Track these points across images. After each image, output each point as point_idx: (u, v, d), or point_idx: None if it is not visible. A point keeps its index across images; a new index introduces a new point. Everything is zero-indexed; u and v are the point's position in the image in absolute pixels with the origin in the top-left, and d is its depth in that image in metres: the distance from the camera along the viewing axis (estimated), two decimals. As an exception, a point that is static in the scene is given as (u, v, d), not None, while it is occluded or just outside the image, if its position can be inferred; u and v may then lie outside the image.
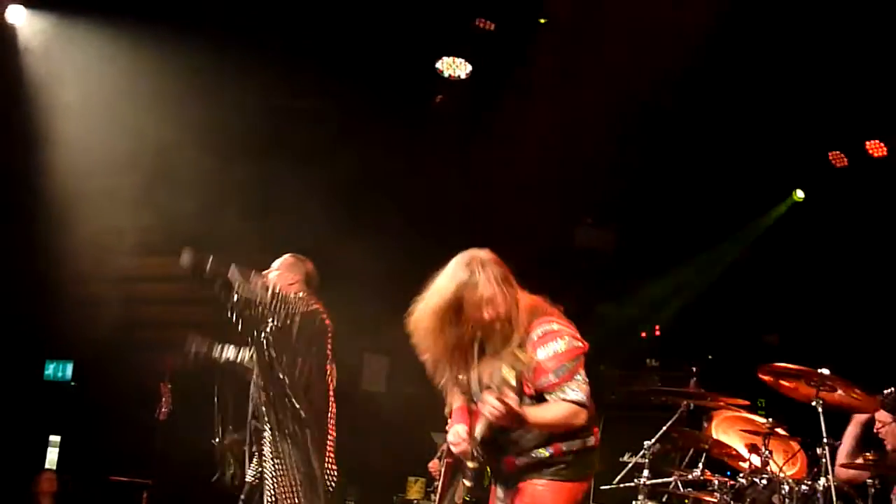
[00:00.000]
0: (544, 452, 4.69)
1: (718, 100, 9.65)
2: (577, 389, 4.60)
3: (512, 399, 4.44)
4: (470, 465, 4.76)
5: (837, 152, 10.20)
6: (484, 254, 4.76)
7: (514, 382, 4.44)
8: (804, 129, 9.73)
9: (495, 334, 4.65)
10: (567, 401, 4.58)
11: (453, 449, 4.87)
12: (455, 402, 5.02)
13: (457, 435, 4.83)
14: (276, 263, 6.74)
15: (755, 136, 9.81)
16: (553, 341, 4.64)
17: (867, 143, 9.99)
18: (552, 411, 4.61)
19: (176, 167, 9.59)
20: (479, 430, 4.72)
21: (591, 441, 4.77)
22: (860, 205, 9.96)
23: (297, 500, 6.33)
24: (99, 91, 9.47)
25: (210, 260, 6.15)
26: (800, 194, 10.76)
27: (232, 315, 6.28)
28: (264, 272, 6.69)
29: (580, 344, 4.69)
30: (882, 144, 9.99)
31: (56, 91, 9.49)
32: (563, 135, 10.11)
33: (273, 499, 6.35)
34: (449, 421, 5.00)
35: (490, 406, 4.46)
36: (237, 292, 6.19)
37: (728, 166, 10.10)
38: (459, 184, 10.37)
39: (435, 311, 4.69)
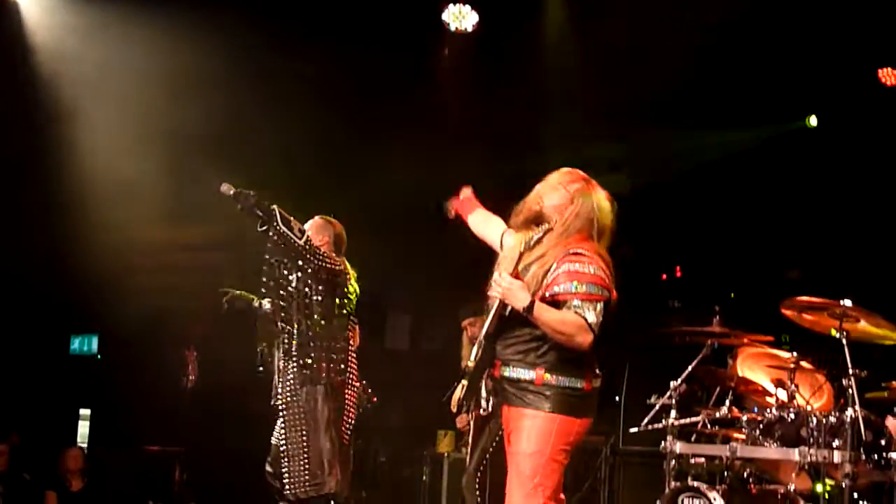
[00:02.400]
0: (525, 374, 4.67)
1: (729, 27, 9.54)
2: (593, 312, 4.59)
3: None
4: (469, 364, 4.76)
5: (889, 69, 10.01)
6: (586, 178, 4.95)
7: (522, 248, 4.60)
8: (818, 54, 9.60)
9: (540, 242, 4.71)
10: (579, 314, 4.58)
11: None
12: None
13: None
14: (306, 226, 6.69)
15: (768, 61, 9.70)
16: (582, 263, 4.65)
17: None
18: (560, 315, 4.61)
19: (198, 139, 9.58)
20: (485, 325, 4.74)
21: (581, 384, 4.71)
22: (878, 132, 9.87)
23: (304, 447, 6.38)
24: (113, 63, 9.44)
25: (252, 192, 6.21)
26: (813, 121, 10.63)
27: (268, 250, 6.36)
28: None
29: (608, 286, 4.68)
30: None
31: (71, 66, 9.46)
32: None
33: (283, 436, 6.42)
34: None
35: (495, 282, 4.57)
36: (277, 224, 6.18)
37: (738, 96, 10.00)
38: (469, 140, 10.32)
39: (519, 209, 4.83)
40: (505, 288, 4.57)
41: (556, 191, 4.85)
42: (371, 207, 9.67)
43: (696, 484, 6.53)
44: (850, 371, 6.30)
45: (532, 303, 4.55)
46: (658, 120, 10.17)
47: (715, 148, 10.58)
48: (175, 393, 9.73)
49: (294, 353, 6.45)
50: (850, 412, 6.24)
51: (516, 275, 4.62)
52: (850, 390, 6.26)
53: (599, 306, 4.62)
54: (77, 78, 9.50)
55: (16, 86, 9.42)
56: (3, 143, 9.66)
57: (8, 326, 10.89)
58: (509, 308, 4.66)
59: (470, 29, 10.20)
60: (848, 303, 6.35)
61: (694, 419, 7.10)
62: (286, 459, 6.38)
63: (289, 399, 6.44)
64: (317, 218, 6.84)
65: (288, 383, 6.46)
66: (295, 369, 6.43)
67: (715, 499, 6.31)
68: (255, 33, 9.49)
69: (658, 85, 9.44)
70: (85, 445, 11.10)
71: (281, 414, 6.47)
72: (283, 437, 6.42)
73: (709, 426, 7.10)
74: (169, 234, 10.34)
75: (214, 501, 9.40)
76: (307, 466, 6.34)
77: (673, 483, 6.71)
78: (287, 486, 6.36)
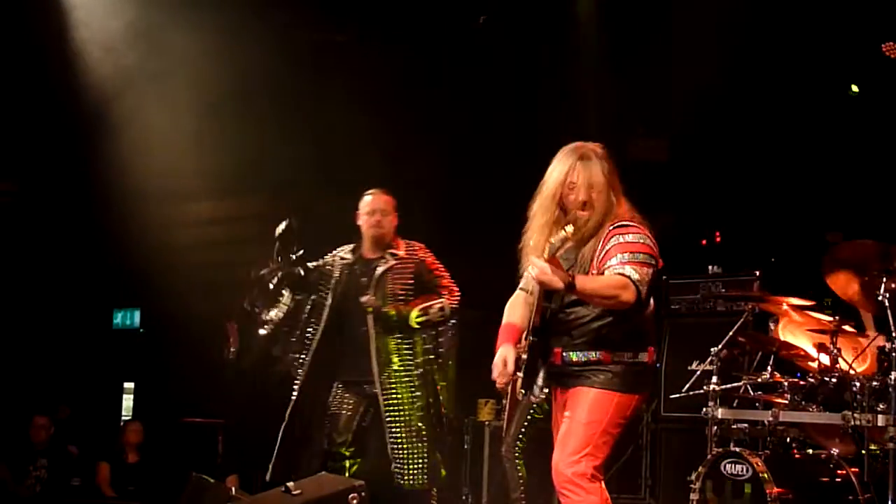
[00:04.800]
0: (592, 355, 4.69)
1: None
2: (636, 271, 4.58)
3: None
4: (523, 355, 4.78)
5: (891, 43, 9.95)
6: (596, 146, 4.82)
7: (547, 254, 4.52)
8: (858, 22, 9.50)
9: (583, 227, 4.69)
10: (621, 274, 4.57)
11: (497, 380, 4.87)
12: (507, 312, 5.03)
13: (503, 360, 4.82)
14: (379, 204, 6.82)
15: (806, 33, 9.61)
16: (629, 234, 4.66)
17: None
18: (601, 279, 4.61)
19: (236, 112, 9.59)
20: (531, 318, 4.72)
21: (644, 357, 4.75)
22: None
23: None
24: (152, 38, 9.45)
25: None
26: (855, 88, 10.53)
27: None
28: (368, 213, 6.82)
29: (656, 255, 4.70)
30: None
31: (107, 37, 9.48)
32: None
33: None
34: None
35: (534, 265, 4.50)
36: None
37: (779, 64, 9.91)
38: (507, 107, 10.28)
39: (545, 198, 4.77)
40: (541, 272, 4.49)
41: (563, 178, 4.76)
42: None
43: (738, 449, 6.51)
44: (894, 334, 6.25)
45: (573, 278, 4.53)
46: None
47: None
48: (217, 364, 9.78)
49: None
50: (893, 375, 6.19)
51: (550, 261, 4.57)
52: (894, 353, 6.21)
53: (646, 269, 4.63)
54: (122, 55, 9.51)
55: (63, 65, 9.44)
56: (48, 120, 9.74)
57: (52, 302, 11.00)
58: (553, 300, 4.69)
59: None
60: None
61: (735, 385, 7.08)
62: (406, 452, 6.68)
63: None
64: (382, 196, 6.92)
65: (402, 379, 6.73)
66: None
67: (757, 464, 6.28)
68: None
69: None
70: (129, 418, 11.22)
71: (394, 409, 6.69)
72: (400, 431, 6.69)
73: (751, 391, 7.07)
74: (209, 208, 10.38)
75: (256, 473, 9.45)
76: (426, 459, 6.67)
77: (715, 449, 6.70)
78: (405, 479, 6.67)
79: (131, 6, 9.25)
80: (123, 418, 11.00)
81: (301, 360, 6.83)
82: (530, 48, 10.28)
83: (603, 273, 4.64)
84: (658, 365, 8.88)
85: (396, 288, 6.74)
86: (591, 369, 4.70)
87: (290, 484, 6.40)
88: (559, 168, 4.77)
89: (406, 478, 6.66)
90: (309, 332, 6.84)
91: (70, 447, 9.88)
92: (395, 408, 6.69)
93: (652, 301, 4.82)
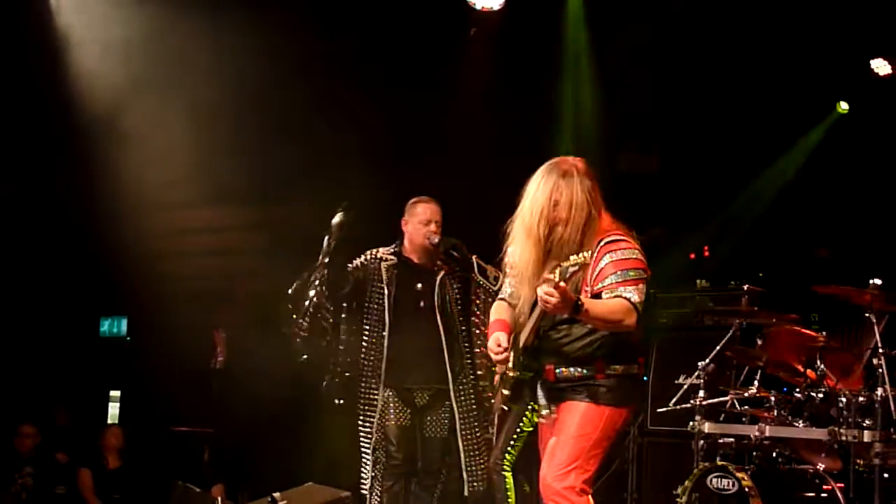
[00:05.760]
0: (584, 370, 4.71)
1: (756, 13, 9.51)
2: (635, 293, 4.62)
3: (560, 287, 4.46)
4: (510, 373, 4.81)
5: (880, 59, 10.02)
6: (577, 161, 4.82)
7: (558, 278, 4.44)
8: (845, 39, 9.55)
9: (565, 243, 4.67)
10: (622, 297, 4.61)
11: (493, 357, 4.90)
12: (494, 314, 5.07)
13: (496, 341, 4.87)
14: (435, 214, 6.77)
15: (795, 50, 9.65)
16: (620, 250, 4.68)
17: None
18: (607, 304, 4.63)
19: (227, 121, 9.57)
20: (523, 336, 4.75)
21: (635, 369, 4.81)
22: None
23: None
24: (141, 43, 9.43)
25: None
26: (843, 106, 10.59)
27: None
28: (423, 222, 6.76)
29: (646, 267, 4.73)
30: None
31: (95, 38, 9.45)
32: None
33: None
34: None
35: (543, 292, 4.46)
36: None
37: (769, 80, 9.95)
38: (494, 115, 10.29)
39: (530, 215, 4.75)
40: (555, 302, 4.46)
41: (547, 197, 4.74)
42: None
43: (724, 464, 6.51)
44: (880, 350, 6.27)
45: (580, 304, 4.53)
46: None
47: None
48: (204, 373, 9.77)
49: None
50: (880, 391, 6.20)
51: (557, 286, 4.52)
52: (881, 369, 6.23)
53: (642, 286, 4.67)
54: (114, 64, 9.49)
55: (56, 71, 9.41)
56: (37, 127, 9.71)
57: (39, 309, 10.97)
58: (545, 318, 4.72)
59: (496, 7, 10.07)
60: (878, 281, 6.31)
61: (722, 399, 7.09)
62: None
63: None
64: (430, 204, 6.85)
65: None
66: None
67: (743, 479, 6.29)
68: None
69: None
70: (114, 425, 11.19)
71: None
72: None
73: (737, 406, 7.08)
74: (197, 217, 10.36)
75: (242, 482, 9.43)
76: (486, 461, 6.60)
77: (701, 463, 6.70)
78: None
79: (125, 14, 9.23)
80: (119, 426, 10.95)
81: (368, 365, 6.71)
82: (519, 61, 10.29)
83: (599, 293, 4.66)
84: (645, 378, 8.90)
85: (455, 293, 6.77)
86: (583, 384, 4.72)
87: (277, 494, 6.40)
88: (543, 186, 4.75)
89: (477, 484, 6.66)
90: (365, 336, 6.74)
91: (59, 455, 9.82)
92: (468, 414, 6.71)
93: None
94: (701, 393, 6.95)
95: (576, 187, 4.70)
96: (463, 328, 6.77)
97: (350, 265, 6.72)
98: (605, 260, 4.67)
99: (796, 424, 6.59)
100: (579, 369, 4.72)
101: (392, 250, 6.84)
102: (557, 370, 4.76)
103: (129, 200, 9.94)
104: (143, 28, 9.09)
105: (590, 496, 4.73)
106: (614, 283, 4.64)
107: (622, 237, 4.73)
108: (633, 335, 4.79)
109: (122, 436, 9.85)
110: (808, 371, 6.73)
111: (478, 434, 6.72)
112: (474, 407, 6.72)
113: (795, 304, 7.41)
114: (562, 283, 4.48)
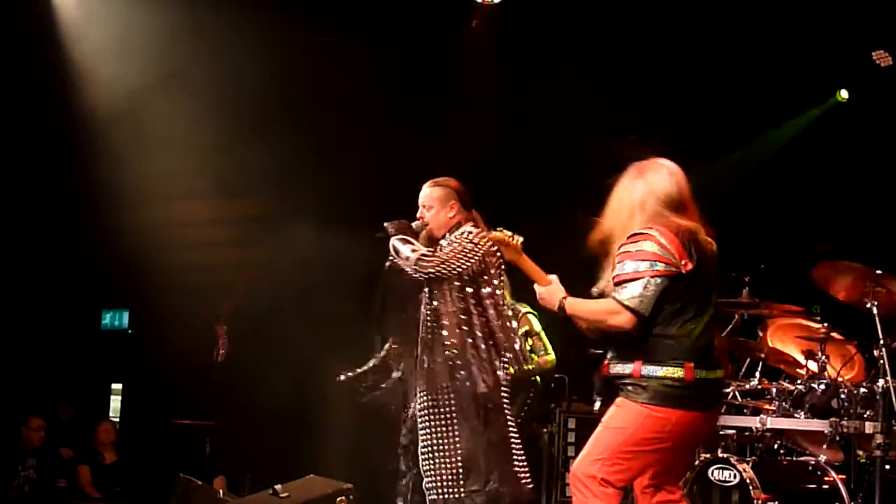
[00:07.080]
0: (623, 369, 4.70)
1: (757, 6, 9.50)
2: (621, 290, 4.59)
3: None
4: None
5: (881, 51, 10.00)
6: (654, 162, 4.91)
7: None
8: (847, 27, 9.53)
9: (615, 240, 4.76)
10: (614, 298, 4.61)
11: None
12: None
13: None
14: (426, 199, 5.99)
15: (796, 36, 9.63)
16: (633, 243, 4.64)
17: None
18: (590, 304, 4.74)
19: (228, 114, 9.56)
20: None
21: (679, 373, 4.58)
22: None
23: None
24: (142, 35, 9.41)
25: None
26: (843, 94, 10.54)
27: None
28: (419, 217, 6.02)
29: (658, 258, 4.58)
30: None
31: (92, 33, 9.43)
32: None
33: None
34: None
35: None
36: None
37: (769, 68, 9.94)
38: (497, 112, 10.27)
39: (623, 211, 4.79)
40: (541, 298, 4.71)
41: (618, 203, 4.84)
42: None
43: (726, 455, 6.52)
44: (881, 342, 6.27)
45: (561, 305, 4.71)
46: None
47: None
48: (206, 366, 9.77)
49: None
50: (881, 383, 6.21)
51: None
52: (882, 361, 6.23)
53: (639, 282, 4.56)
54: (114, 60, 9.48)
55: (54, 66, 9.41)
56: (38, 121, 9.71)
57: (40, 302, 10.97)
58: None
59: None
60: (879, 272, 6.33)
61: (724, 390, 7.08)
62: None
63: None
64: (433, 189, 6.02)
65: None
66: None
67: (745, 470, 6.29)
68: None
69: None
70: (117, 419, 11.19)
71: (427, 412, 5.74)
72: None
73: (739, 398, 7.09)
74: (199, 210, 10.35)
75: (244, 475, 9.44)
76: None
77: (703, 455, 6.70)
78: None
79: (124, 10, 9.23)
80: (111, 419, 10.96)
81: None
82: (520, 55, 10.28)
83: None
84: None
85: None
86: (625, 381, 4.69)
87: (278, 486, 6.40)
88: (634, 186, 4.83)
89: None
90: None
91: (63, 450, 9.83)
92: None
93: (694, 314, 4.66)
94: (702, 385, 6.93)
95: (624, 189, 4.83)
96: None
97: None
98: (620, 253, 4.67)
99: (798, 416, 6.60)
100: (623, 366, 4.69)
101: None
102: (610, 366, 4.78)
103: (130, 193, 9.94)
104: (143, 24, 9.10)
105: (615, 491, 4.61)
106: (613, 279, 4.65)
107: (641, 231, 4.65)
108: (683, 338, 4.62)
109: (113, 430, 9.86)
110: (810, 362, 6.73)
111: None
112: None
113: (797, 296, 7.41)
114: (550, 278, 4.56)
